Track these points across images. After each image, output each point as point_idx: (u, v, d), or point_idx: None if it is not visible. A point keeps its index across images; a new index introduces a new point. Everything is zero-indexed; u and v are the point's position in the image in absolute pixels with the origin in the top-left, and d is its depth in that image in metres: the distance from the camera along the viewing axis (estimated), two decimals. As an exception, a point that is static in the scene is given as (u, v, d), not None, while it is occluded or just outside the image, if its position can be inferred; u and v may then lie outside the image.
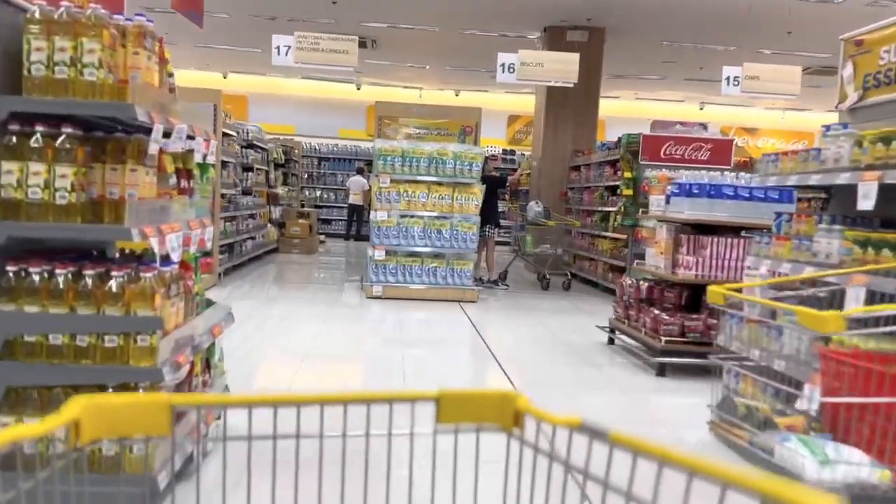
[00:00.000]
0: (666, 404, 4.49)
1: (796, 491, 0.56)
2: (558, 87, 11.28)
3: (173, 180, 2.88)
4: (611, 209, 9.27)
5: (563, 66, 9.55)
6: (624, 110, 18.21)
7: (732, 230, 5.17)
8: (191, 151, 3.06)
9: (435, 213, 7.82)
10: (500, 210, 9.30)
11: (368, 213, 16.38)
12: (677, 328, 4.89)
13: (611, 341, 5.91)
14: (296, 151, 15.14)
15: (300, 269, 10.80)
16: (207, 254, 8.03)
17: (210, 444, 2.87)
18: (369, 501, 0.87)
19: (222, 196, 8.76)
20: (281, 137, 15.34)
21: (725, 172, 7.19)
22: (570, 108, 11.43)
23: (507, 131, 19.22)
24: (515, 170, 15.92)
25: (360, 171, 16.23)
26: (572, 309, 8.03)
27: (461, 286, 7.87)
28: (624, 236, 8.73)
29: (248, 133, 10.34)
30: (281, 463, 0.88)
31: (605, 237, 9.52)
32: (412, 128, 8.31)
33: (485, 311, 7.61)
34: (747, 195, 5.00)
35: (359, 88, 18.27)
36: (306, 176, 17.97)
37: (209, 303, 3.39)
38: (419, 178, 7.83)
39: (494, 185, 9.11)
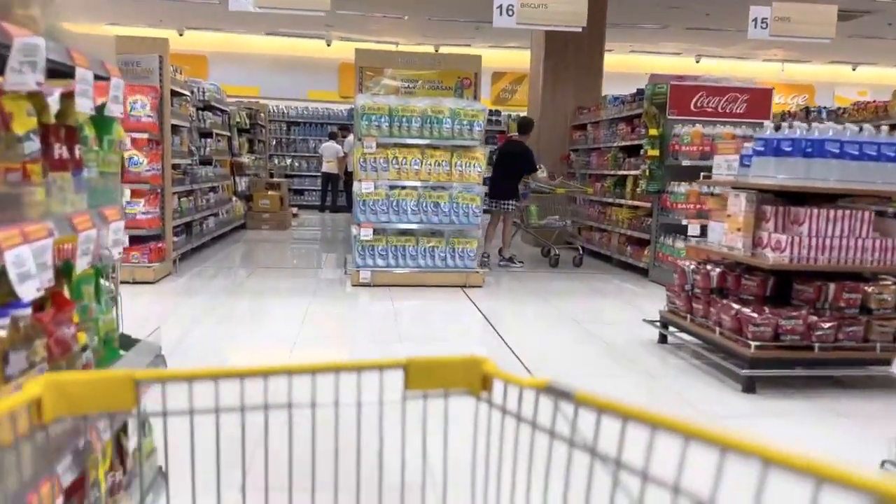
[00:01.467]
0: (784, 438, 3.35)
1: (753, 443, 0.55)
2: (557, 36, 9.97)
3: (33, 145, 1.59)
4: (628, 173, 8.08)
5: (570, 7, 8.23)
6: (618, 64, 16.90)
7: (828, 198, 4.01)
8: (70, 95, 1.77)
9: (431, 183, 6.56)
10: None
11: (344, 182, 15.23)
12: (770, 329, 3.74)
13: (663, 339, 4.76)
14: (262, 115, 13.66)
15: (271, 250, 9.48)
16: (158, 237, 6.70)
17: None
18: (340, 469, 0.86)
19: (175, 167, 7.37)
20: (245, 100, 13.83)
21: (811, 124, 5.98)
22: (571, 59, 10.14)
23: (491, 90, 17.85)
24: (503, 132, 14.64)
25: (332, 136, 14.81)
26: (592, 292, 6.86)
27: (464, 269, 6.65)
28: (647, 204, 7.57)
29: (204, 92, 8.90)
30: (249, 437, 0.85)
31: (620, 205, 8.34)
32: (400, 80, 6.98)
33: (494, 297, 6.41)
34: (856, 152, 3.82)
35: (329, 45, 16.72)
36: (274, 143, 16.48)
37: (127, 342, 2.13)
38: (410, 140, 6.55)
39: (518, 164, 7.88)
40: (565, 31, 9.92)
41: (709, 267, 4.31)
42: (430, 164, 6.53)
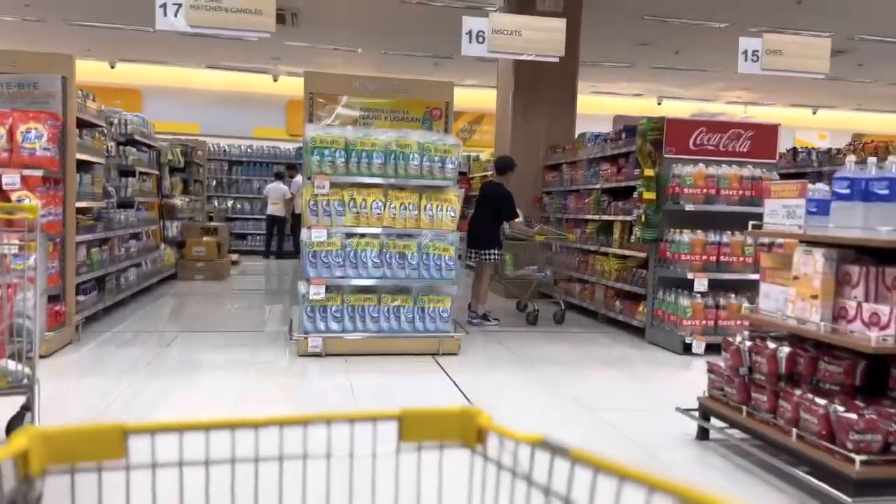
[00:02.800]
0: None
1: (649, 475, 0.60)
2: (527, 69, 9.14)
3: None
4: (615, 218, 7.15)
5: (547, 36, 7.38)
6: (581, 105, 16.32)
7: (924, 255, 3.07)
8: None
9: (396, 230, 5.47)
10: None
11: (291, 226, 13.99)
12: (879, 438, 2.73)
13: (703, 433, 3.71)
14: (199, 153, 12.40)
15: (204, 306, 8.16)
16: (56, 297, 5.39)
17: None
18: None
19: (82, 211, 6.10)
20: (180, 137, 12.57)
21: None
22: (543, 94, 9.30)
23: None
24: (464, 174, 13.72)
25: (278, 176, 13.63)
26: (588, 358, 5.82)
27: (436, 333, 5.53)
28: (640, 254, 6.63)
29: (126, 125, 7.66)
30: (239, 490, 0.82)
31: (606, 254, 7.40)
32: (358, 110, 5.91)
33: (473, 368, 5.30)
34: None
35: (276, 80, 15.64)
36: (214, 183, 15.18)
37: None
38: (371, 179, 5.46)
39: (499, 209, 6.90)
40: (536, 65, 9.11)
41: (772, 345, 3.29)
42: (395, 208, 5.45)
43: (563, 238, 7.66)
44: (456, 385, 4.76)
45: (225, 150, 15.26)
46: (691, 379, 4.75)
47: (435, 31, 11.32)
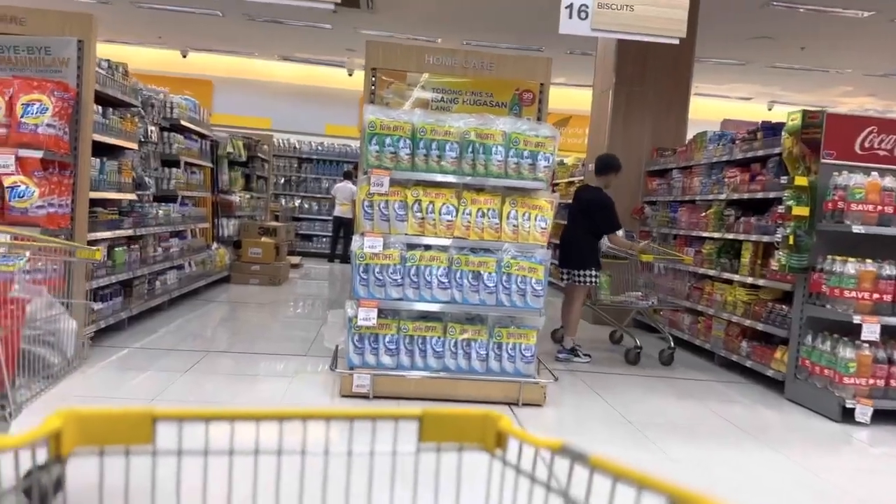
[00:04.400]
0: None
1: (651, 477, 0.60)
2: (631, 61, 7.81)
3: None
4: (746, 237, 5.74)
5: (666, 12, 6.04)
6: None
7: None
8: None
9: (469, 243, 4.28)
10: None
11: None
12: None
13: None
14: (264, 147, 11.59)
15: (247, 318, 7.20)
16: (57, 306, 4.45)
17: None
18: None
19: (102, 204, 5.19)
20: (253, 132, 11.82)
21: None
22: (649, 88, 7.92)
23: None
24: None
25: (347, 176, 12.70)
26: (716, 423, 4.45)
27: (516, 376, 4.30)
28: (782, 285, 5.21)
29: (171, 107, 6.78)
30: (261, 481, 0.83)
31: (729, 282, 5.98)
32: (430, 91, 4.76)
33: (562, 429, 4.05)
34: None
35: (350, 74, 14.77)
36: (283, 181, 14.42)
37: None
38: (442, 177, 4.29)
39: (594, 218, 5.65)
40: (642, 55, 7.77)
41: None
42: (470, 214, 4.26)
43: (677, 259, 6.26)
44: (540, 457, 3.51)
45: (295, 147, 14.48)
46: (871, 468, 3.35)
47: (523, 20, 10.11)
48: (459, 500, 0.91)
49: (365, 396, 4.17)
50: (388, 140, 4.24)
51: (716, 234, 6.18)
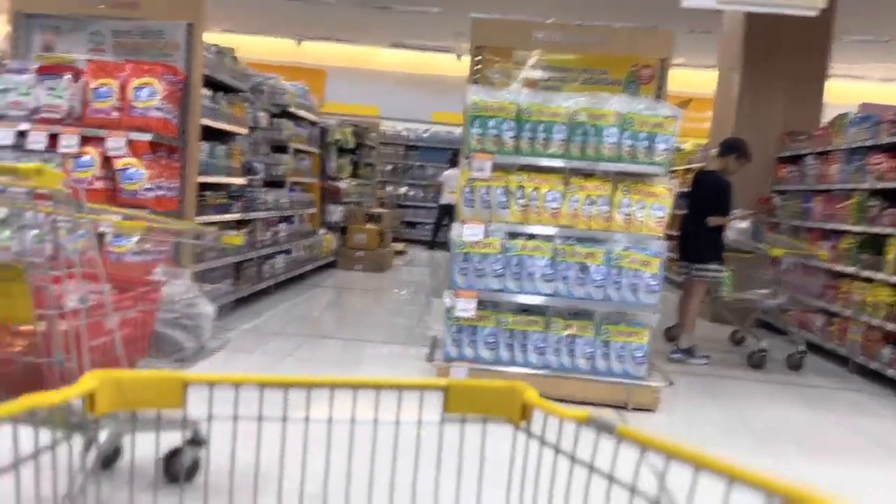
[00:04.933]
0: None
1: (801, 489, 0.55)
2: (761, 38, 7.16)
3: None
4: (889, 230, 5.09)
5: (803, -21, 5.48)
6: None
7: None
8: None
9: (577, 232, 3.99)
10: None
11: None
12: None
13: None
14: (372, 134, 11.66)
15: (349, 304, 7.21)
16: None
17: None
18: (374, 484, 0.89)
19: (211, 187, 5.28)
20: (362, 119, 11.92)
21: None
22: (781, 68, 7.24)
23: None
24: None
25: (454, 163, 12.57)
26: (854, 440, 3.95)
27: (625, 377, 3.98)
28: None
29: (280, 93, 6.85)
30: (289, 446, 0.89)
31: (870, 280, 5.34)
32: (538, 70, 4.48)
33: (676, 435, 3.69)
34: None
35: (459, 58, 14.61)
36: (390, 168, 14.51)
37: None
38: (548, 162, 4.02)
39: (710, 205, 5.21)
40: (773, 31, 7.11)
41: None
42: (578, 201, 3.97)
43: (807, 254, 5.67)
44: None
45: (401, 135, 14.52)
46: None
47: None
48: (483, 471, 0.91)
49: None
50: (490, 122, 4.01)
51: (856, 228, 5.53)
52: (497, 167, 4.01)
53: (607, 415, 3.79)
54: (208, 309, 2.51)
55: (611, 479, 0.73)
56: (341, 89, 15.02)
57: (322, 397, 0.83)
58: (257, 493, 0.97)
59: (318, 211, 8.70)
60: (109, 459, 2.49)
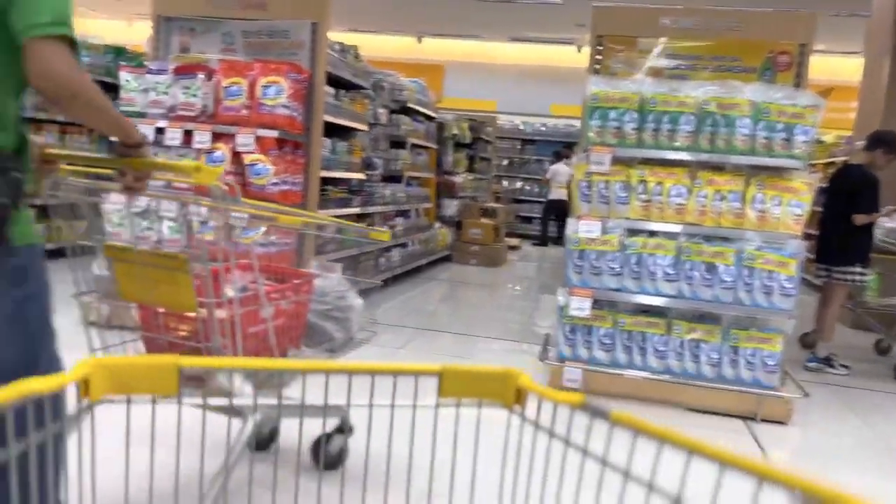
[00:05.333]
0: None
1: (790, 473, 0.57)
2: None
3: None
4: None
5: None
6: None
7: None
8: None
9: (704, 229, 3.75)
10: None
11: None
12: None
13: None
14: (488, 129, 11.62)
15: (463, 298, 7.21)
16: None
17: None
18: (370, 468, 1.01)
19: (333, 182, 5.42)
20: (479, 114, 11.93)
21: None
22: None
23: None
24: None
25: (560, 157, 12.36)
26: None
27: (755, 387, 3.70)
28: None
29: (400, 90, 6.94)
30: (284, 431, 1.04)
31: None
32: (664, 58, 4.26)
33: (809, 455, 3.40)
34: None
35: (580, 50, 14.29)
36: (506, 162, 14.43)
37: None
38: (673, 155, 3.81)
39: (854, 203, 4.77)
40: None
41: None
42: (706, 197, 3.73)
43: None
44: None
45: (519, 128, 14.40)
46: None
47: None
48: (478, 455, 0.95)
49: (575, 390, 3.86)
50: (611, 114, 3.85)
51: None
52: (617, 160, 3.84)
53: (734, 425, 3.56)
54: (357, 302, 2.59)
55: (604, 463, 0.75)
56: (459, 84, 15.11)
57: (318, 382, 0.83)
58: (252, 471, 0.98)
59: (434, 205, 8.78)
60: (266, 441, 2.63)
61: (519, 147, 14.44)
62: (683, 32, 4.19)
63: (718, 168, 3.80)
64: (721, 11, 4.25)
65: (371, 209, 6.23)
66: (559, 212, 12.28)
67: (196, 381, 2.00)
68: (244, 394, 1.98)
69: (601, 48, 4.32)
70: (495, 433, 0.89)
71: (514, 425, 0.84)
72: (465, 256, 9.26)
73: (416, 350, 4.68)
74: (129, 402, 0.77)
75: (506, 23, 13.13)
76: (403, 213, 7.37)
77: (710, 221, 3.73)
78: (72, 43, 1.45)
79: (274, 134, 4.38)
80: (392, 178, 6.99)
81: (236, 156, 4.40)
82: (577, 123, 14.23)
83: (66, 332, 1.73)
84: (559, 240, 12.38)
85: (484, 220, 9.38)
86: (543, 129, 14.33)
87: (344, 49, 5.43)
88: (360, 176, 5.92)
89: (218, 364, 0.83)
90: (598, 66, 4.29)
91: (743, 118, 3.68)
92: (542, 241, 12.57)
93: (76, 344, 1.90)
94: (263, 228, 4.67)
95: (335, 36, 5.10)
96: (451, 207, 9.35)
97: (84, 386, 0.74)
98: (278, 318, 2.21)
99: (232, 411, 1.94)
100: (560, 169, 12.06)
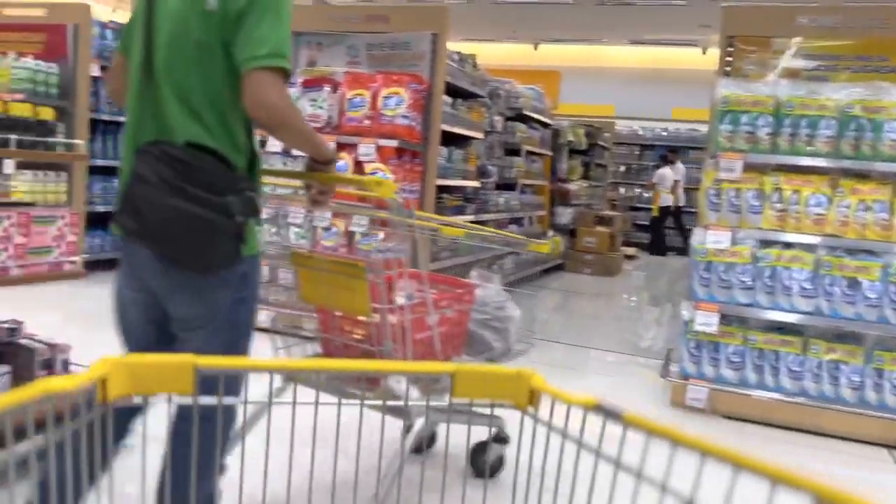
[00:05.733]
0: None
1: (805, 477, 0.57)
2: None
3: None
4: None
5: None
6: None
7: None
8: None
9: (845, 242, 3.48)
10: None
11: (675, 218, 12.12)
12: None
13: None
14: (605, 134, 11.37)
15: (576, 310, 7.07)
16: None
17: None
18: (383, 464, 1.01)
19: (449, 190, 5.48)
20: (595, 119, 11.72)
21: None
22: None
23: None
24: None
25: (666, 161, 11.92)
26: None
27: (902, 415, 3.39)
28: None
29: (516, 97, 6.92)
30: (299, 428, 0.93)
31: None
32: (801, 59, 3.99)
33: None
34: None
35: (704, 52, 13.72)
36: (623, 169, 14.07)
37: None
38: (811, 161, 3.55)
39: None
40: None
41: None
42: (849, 207, 3.46)
43: None
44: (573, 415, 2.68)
45: (637, 133, 14.00)
46: None
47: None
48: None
49: (700, 412, 3.68)
50: (744, 118, 3.65)
51: None
52: (749, 167, 3.63)
53: (878, 454, 3.27)
54: (516, 313, 2.61)
55: (617, 464, 0.75)
56: (576, 90, 14.89)
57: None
58: (268, 469, 1.01)
59: (548, 213, 8.68)
60: (424, 445, 2.68)
61: (637, 153, 14.04)
62: (822, 31, 3.90)
63: (862, 175, 3.51)
64: (865, 8, 3.92)
65: (485, 217, 6.24)
66: (671, 218, 11.86)
67: (371, 383, 2.10)
68: (411, 397, 2.04)
69: (731, 49, 4.10)
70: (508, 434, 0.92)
71: (528, 427, 0.85)
72: (579, 265, 9.09)
73: (524, 361, 4.62)
74: (145, 401, 0.80)
75: (626, 26, 12.83)
76: (517, 221, 7.34)
77: (853, 233, 3.45)
78: (286, 73, 1.58)
79: (394, 143, 4.48)
80: (506, 185, 6.98)
81: (358, 165, 4.54)
82: (702, 128, 13.72)
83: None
84: (662, 249, 11.96)
85: (599, 229, 9.18)
86: (664, 133, 13.85)
87: (462, 58, 5.48)
88: (475, 184, 5.95)
89: (240, 365, 0.83)
90: (728, 69, 4.08)
91: (891, 122, 3.39)
92: (657, 249, 12.14)
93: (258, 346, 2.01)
94: (381, 235, 4.79)
95: (452, 46, 5.17)
96: (564, 215, 9.21)
97: (101, 385, 0.75)
98: (442, 326, 2.27)
99: (400, 413, 2.03)
100: (666, 173, 11.65)
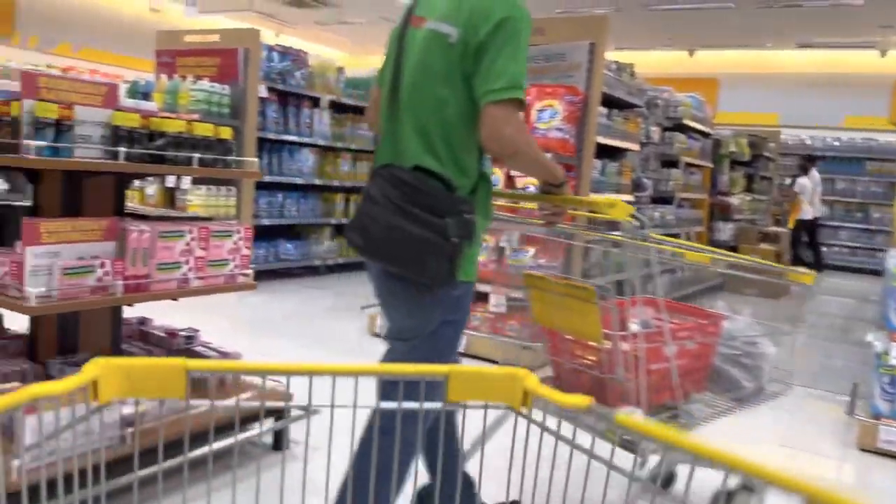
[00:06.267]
0: None
1: (793, 478, 0.58)
2: None
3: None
4: None
5: None
6: None
7: None
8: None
9: None
10: None
11: (808, 231, 10.93)
12: None
13: None
14: (771, 145, 10.58)
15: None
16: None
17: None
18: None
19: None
20: (757, 128, 10.95)
21: None
22: None
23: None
24: None
25: (804, 170, 10.87)
26: None
27: None
28: None
29: (675, 106, 6.57)
30: (294, 431, 1.11)
31: None
32: None
33: None
34: None
35: (883, 55, 12.42)
36: (789, 182, 13.00)
37: None
38: None
39: None
40: None
41: None
42: None
43: None
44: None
45: (805, 143, 12.91)
46: None
47: None
48: (484, 456, 0.94)
49: (893, 457, 3.23)
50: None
51: None
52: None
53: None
54: (770, 350, 2.41)
55: (609, 465, 0.75)
56: (735, 97, 14.01)
57: (325, 384, 0.85)
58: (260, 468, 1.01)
59: (706, 228, 8.17)
60: (666, 482, 2.53)
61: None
62: None
63: None
64: None
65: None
66: (809, 232, 10.84)
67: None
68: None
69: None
70: (501, 435, 0.90)
71: (521, 428, 0.84)
72: (741, 285, 8.45)
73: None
74: (137, 404, 0.81)
75: (792, 29, 11.89)
76: (673, 237, 6.94)
77: None
78: (521, 103, 1.64)
79: (547, 157, 4.37)
80: (662, 199, 6.63)
81: (510, 179, 4.47)
82: (879, 137, 12.44)
83: (351, 339, 1.89)
84: (812, 265, 10.86)
85: (763, 246, 8.52)
86: (836, 143, 12.67)
87: (620, 67, 5.27)
88: (629, 197, 5.68)
89: (230, 367, 0.82)
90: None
91: None
92: (817, 267, 11.09)
93: (364, 350, 2.01)
94: (532, 251, 4.68)
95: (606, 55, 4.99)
96: (725, 231, 8.63)
97: (93, 388, 0.75)
98: (682, 358, 2.15)
99: (630, 446, 1.84)
100: (806, 183, 10.65)
